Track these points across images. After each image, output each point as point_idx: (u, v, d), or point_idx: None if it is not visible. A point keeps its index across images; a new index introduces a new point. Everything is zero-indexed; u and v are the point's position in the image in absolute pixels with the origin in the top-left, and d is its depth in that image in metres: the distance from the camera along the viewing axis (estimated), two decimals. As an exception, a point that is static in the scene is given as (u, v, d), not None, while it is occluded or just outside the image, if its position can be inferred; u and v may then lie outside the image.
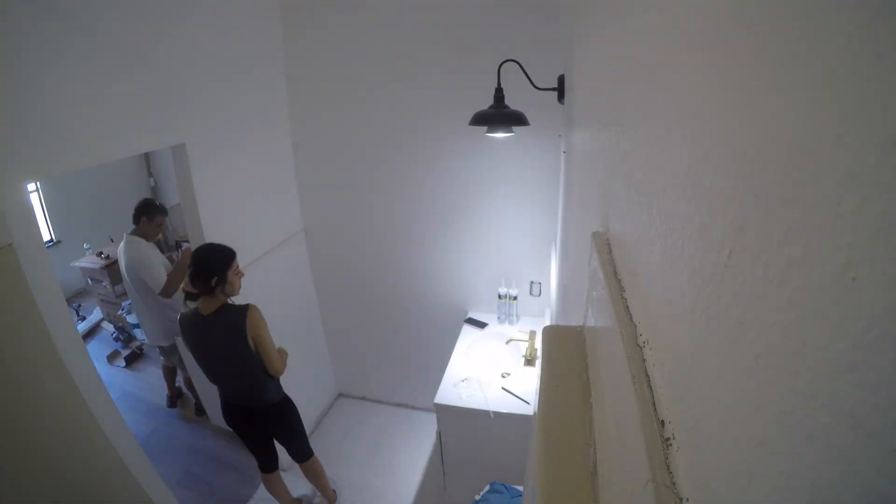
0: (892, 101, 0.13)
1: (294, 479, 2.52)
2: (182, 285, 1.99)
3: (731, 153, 0.24)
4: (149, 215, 2.60)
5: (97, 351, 4.15)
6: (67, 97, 1.50)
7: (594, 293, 0.65)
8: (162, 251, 2.94)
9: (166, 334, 2.82)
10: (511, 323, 2.66)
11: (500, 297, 2.62)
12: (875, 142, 0.13)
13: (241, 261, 2.36)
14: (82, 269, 4.39)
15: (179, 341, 2.69)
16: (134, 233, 2.63)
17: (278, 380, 2.04)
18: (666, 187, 0.36)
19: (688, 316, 0.30)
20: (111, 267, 4.27)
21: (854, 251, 0.14)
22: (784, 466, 0.18)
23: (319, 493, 2.52)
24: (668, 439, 0.33)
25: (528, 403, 2.04)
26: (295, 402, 2.18)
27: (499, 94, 1.73)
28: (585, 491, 0.54)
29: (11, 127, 1.34)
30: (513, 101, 1.75)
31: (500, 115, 1.70)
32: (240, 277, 1.88)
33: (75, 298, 4.89)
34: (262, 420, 2.07)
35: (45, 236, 4.76)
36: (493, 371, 2.26)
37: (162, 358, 3.09)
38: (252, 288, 2.45)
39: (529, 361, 2.30)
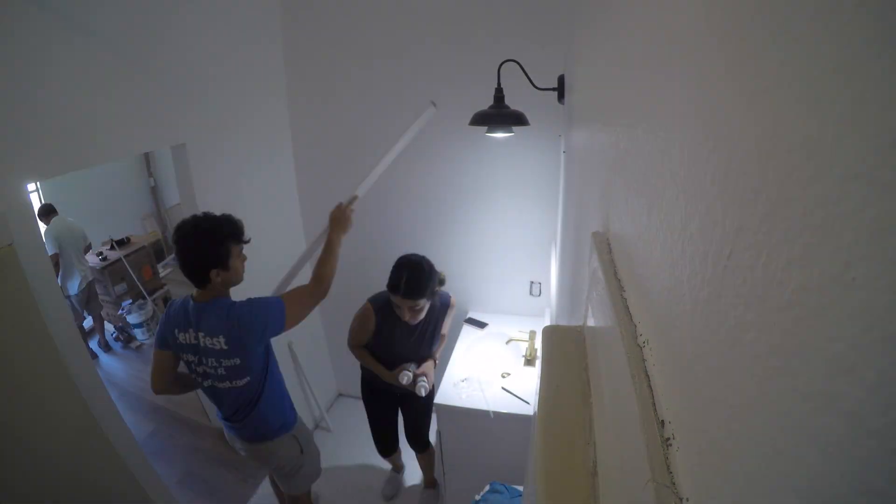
0: (892, 101, 0.13)
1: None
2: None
3: (731, 153, 0.24)
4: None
5: (96, 351, 4.15)
6: (68, 97, 1.50)
7: (594, 293, 0.65)
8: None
9: None
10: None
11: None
12: (875, 142, 0.13)
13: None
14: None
15: None
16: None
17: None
18: (666, 187, 0.36)
19: (688, 316, 0.30)
20: (111, 267, 4.27)
21: (854, 251, 0.14)
22: (784, 466, 0.18)
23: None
24: (668, 439, 0.33)
25: (528, 403, 2.04)
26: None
27: (499, 94, 1.73)
28: (585, 491, 0.54)
29: (11, 127, 1.35)
30: (513, 101, 1.75)
31: (500, 115, 1.70)
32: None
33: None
34: None
35: (45, 236, 4.75)
36: (493, 371, 2.26)
37: None
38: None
39: (529, 361, 2.30)
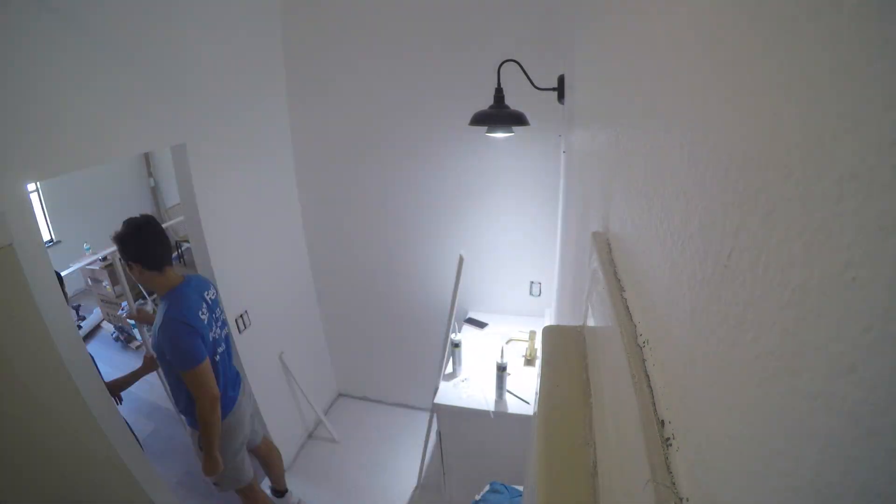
0: (892, 101, 0.13)
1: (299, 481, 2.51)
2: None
3: (731, 153, 0.24)
4: None
5: (96, 351, 4.15)
6: (67, 97, 1.50)
7: (594, 293, 0.65)
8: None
9: None
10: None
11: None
12: (875, 142, 0.13)
13: (242, 260, 2.37)
14: (82, 269, 4.39)
15: None
16: None
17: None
18: (666, 187, 0.36)
19: (688, 316, 0.30)
20: (111, 267, 4.27)
21: (854, 251, 0.14)
22: (784, 466, 0.18)
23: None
24: (668, 439, 0.33)
25: (528, 403, 2.04)
26: (285, 412, 2.16)
27: (499, 94, 1.73)
28: (585, 491, 0.54)
29: (11, 127, 1.34)
30: (513, 101, 1.75)
31: (500, 115, 1.70)
32: None
33: (75, 298, 4.90)
34: None
35: (45, 236, 4.76)
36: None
37: None
38: (253, 288, 2.46)
39: (529, 361, 2.30)
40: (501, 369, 2.01)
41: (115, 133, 1.68)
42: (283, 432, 2.80)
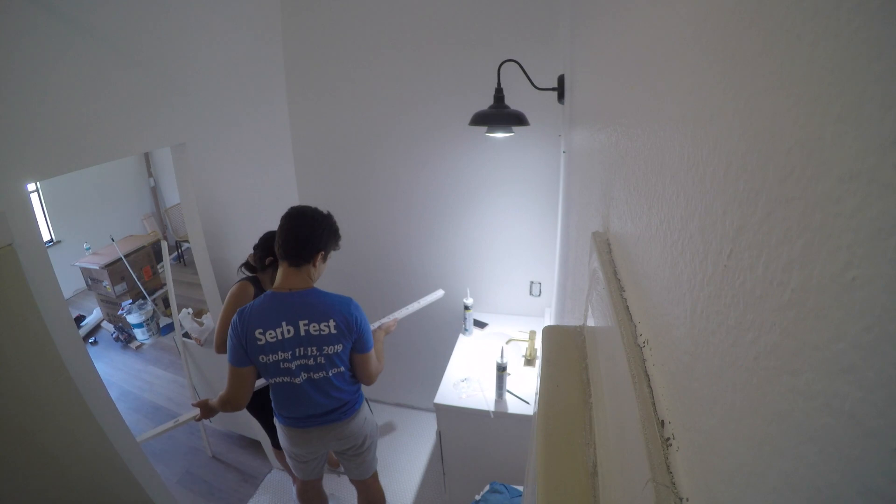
0: (892, 101, 0.13)
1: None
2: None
3: (730, 153, 0.24)
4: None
5: (95, 351, 4.15)
6: (67, 97, 1.50)
7: (594, 293, 0.65)
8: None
9: None
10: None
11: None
12: (875, 142, 0.13)
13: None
14: (82, 269, 4.40)
15: None
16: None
17: None
18: (666, 187, 0.36)
19: (688, 316, 0.30)
20: (111, 267, 4.28)
21: (854, 251, 0.14)
22: (784, 466, 0.18)
23: None
24: (668, 439, 0.33)
25: (528, 403, 2.04)
26: None
27: (499, 94, 1.73)
28: (585, 491, 0.54)
29: (11, 127, 1.35)
30: (513, 101, 1.75)
31: (500, 115, 1.70)
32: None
33: (75, 298, 4.90)
34: None
35: (45, 236, 4.76)
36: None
37: None
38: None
39: (529, 361, 2.30)
40: (501, 369, 2.01)
41: (115, 133, 1.68)
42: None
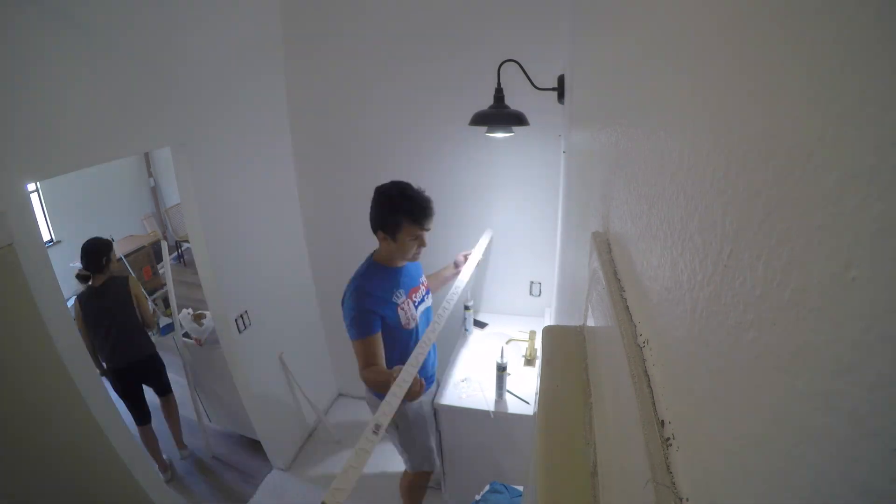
0: (891, 101, 0.13)
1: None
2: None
3: (730, 152, 0.24)
4: None
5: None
6: (67, 97, 1.50)
7: (594, 293, 0.65)
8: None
9: None
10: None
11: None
12: (875, 142, 0.13)
13: (242, 260, 2.37)
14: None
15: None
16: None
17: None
18: (666, 187, 0.36)
19: (688, 316, 0.30)
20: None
21: (854, 251, 0.14)
22: (784, 466, 0.18)
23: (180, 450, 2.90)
24: (668, 439, 0.33)
25: (528, 403, 2.04)
26: (286, 410, 2.16)
27: (499, 94, 1.73)
28: (585, 491, 0.54)
29: (11, 127, 1.35)
30: (513, 101, 1.75)
31: (500, 115, 1.70)
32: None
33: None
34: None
35: (45, 236, 4.76)
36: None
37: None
38: (253, 288, 2.46)
39: (529, 361, 2.30)
40: (501, 369, 2.01)
41: (115, 133, 1.68)
42: (284, 432, 2.80)
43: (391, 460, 2.77)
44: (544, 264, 2.57)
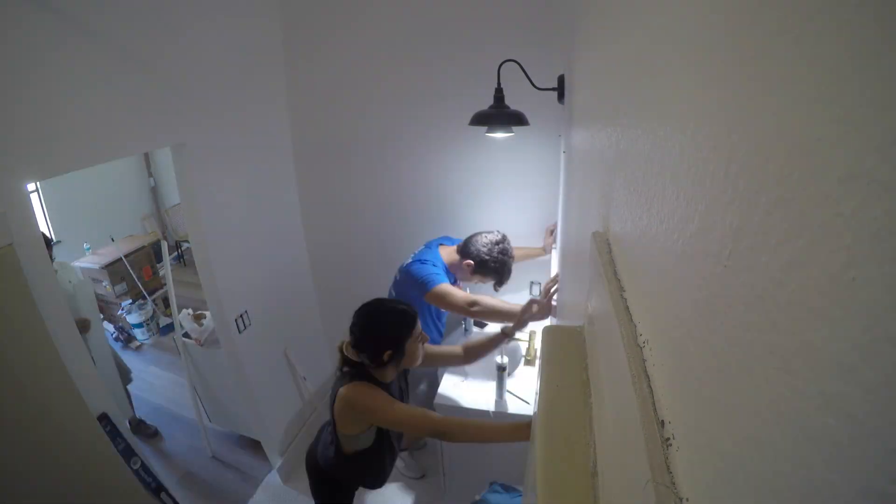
0: (891, 101, 0.13)
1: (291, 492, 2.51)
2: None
3: (730, 152, 0.24)
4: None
5: (97, 351, 4.15)
6: (68, 97, 1.50)
7: (594, 293, 0.65)
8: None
9: None
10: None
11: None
12: (875, 142, 0.13)
13: (242, 260, 2.37)
14: (82, 269, 4.39)
15: None
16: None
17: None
18: (666, 187, 0.36)
19: (688, 316, 0.30)
20: (111, 267, 4.27)
21: (854, 251, 0.14)
22: (784, 466, 0.18)
23: None
24: (668, 439, 0.33)
25: (528, 403, 2.04)
26: (290, 408, 2.09)
27: (499, 94, 1.73)
28: (585, 491, 0.54)
29: (11, 127, 1.34)
30: (513, 101, 1.75)
31: (500, 115, 1.70)
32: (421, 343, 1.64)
33: (75, 298, 4.89)
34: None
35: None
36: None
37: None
38: (252, 288, 2.45)
39: (529, 361, 2.30)
40: (501, 369, 2.01)
41: (115, 133, 1.68)
42: (284, 432, 2.80)
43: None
44: (544, 264, 2.57)
